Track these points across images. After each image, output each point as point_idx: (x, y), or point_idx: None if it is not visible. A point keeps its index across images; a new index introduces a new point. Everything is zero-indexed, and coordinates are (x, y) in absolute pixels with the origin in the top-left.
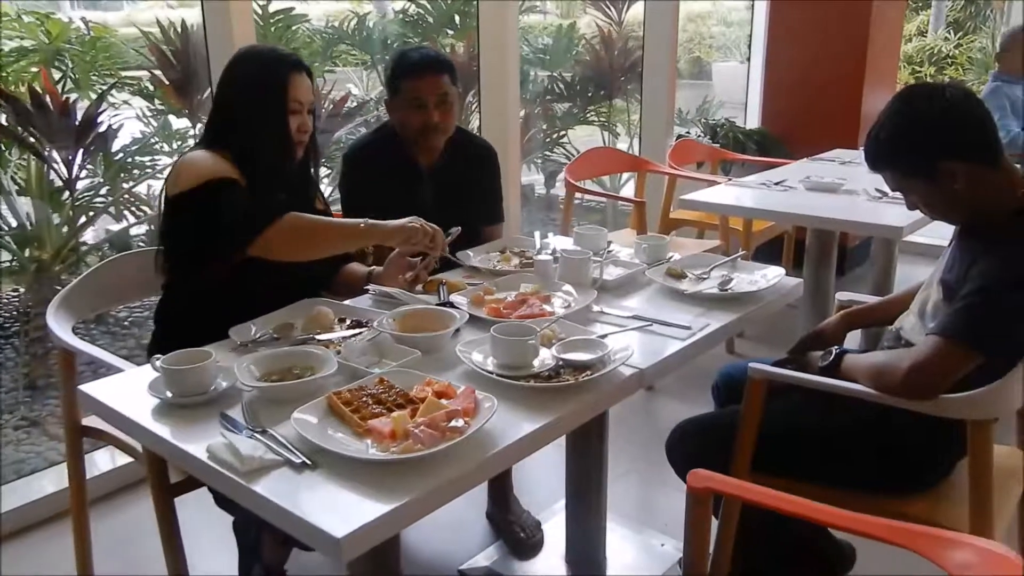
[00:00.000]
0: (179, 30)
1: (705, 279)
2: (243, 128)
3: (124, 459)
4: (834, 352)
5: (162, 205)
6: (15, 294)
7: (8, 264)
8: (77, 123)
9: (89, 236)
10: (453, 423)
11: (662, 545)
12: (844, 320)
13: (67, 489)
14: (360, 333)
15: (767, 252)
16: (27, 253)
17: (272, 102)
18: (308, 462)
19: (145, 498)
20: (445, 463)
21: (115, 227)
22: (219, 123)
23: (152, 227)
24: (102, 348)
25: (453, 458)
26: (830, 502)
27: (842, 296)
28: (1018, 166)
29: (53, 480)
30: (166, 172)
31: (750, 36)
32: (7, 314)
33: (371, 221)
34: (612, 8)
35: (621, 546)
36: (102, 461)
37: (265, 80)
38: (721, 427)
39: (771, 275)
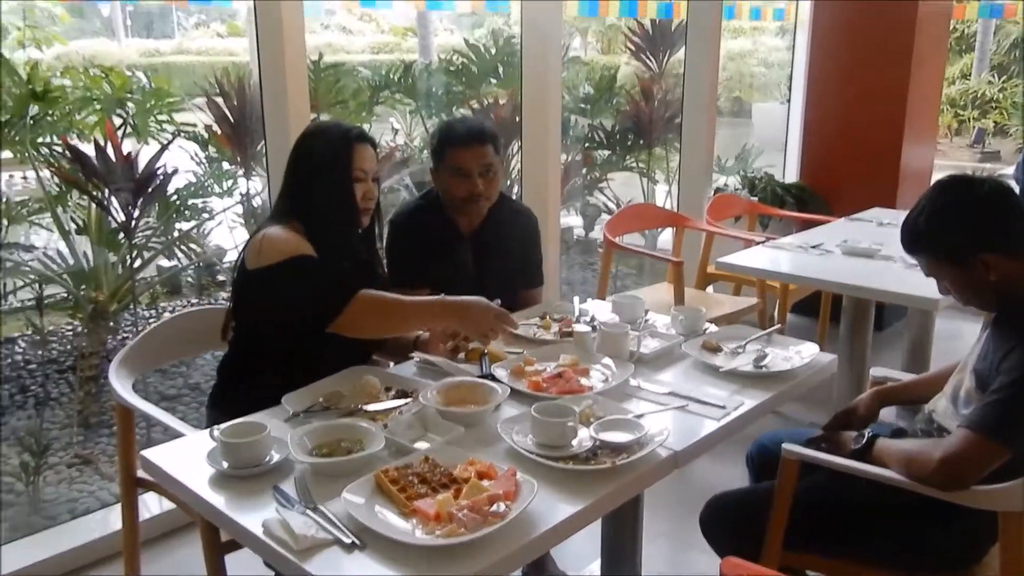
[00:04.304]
0: (232, 80)
1: (740, 353)
2: (313, 199)
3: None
4: (867, 435)
5: (237, 272)
6: (69, 328)
7: (63, 298)
8: (139, 173)
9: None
10: (495, 507)
11: None
12: (877, 397)
13: (118, 532)
14: (405, 403)
15: (804, 307)
16: (82, 290)
17: (339, 172)
18: (357, 542)
19: (195, 541)
20: (486, 548)
21: (165, 264)
22: (290, 196)
23: (201, 264)
24: (151, 385)
25: (494, 543)
26: None
27: (876, 372)
28: None
29: (104, 521)
30: (220, 217)
31: (790, 77)
32: (61, 348)
33: (446, 299)
34: (652, 59)
35: None
36: (152, 503)
37: (331, 152)
38: (755, 503)
39: (806, 352)
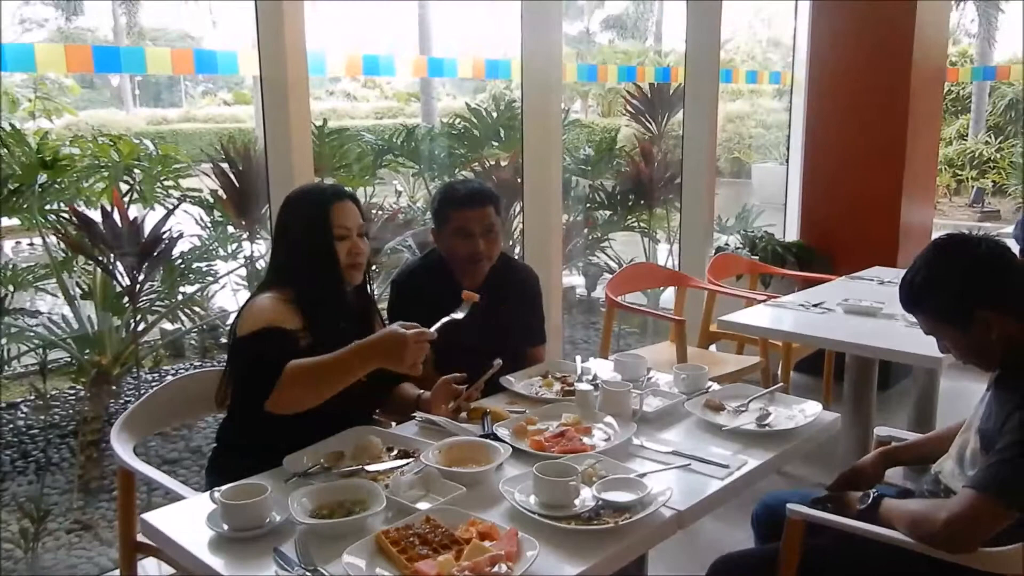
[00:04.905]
0: (238, 147)
1: (743, 411)
2: (297, 263)
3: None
4: (872, 496)
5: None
6: (72, 393)
7: (66, 364)
8: (144, 238)
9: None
10: (496, 568)
11: None
12: (882, 458)
13: None
14: (407, 463)
15: (808, 366)
16: (86, 354)
17: (319, 234)
18: None
19: None
20: None
21: (168, 327)
22: (277, 262)
23: (205, 327)
24: (152, 449)
25: None
26: None
27: (880, 431)
28: None
29: None
30: (224, 280)
31: (788, 138)
32: (64, 412)
33: (359, 343)
34: (651, 121)
35: None
36: (151, 568)
37: (310, 215)
38: (761, 564)
39: (809, 411)
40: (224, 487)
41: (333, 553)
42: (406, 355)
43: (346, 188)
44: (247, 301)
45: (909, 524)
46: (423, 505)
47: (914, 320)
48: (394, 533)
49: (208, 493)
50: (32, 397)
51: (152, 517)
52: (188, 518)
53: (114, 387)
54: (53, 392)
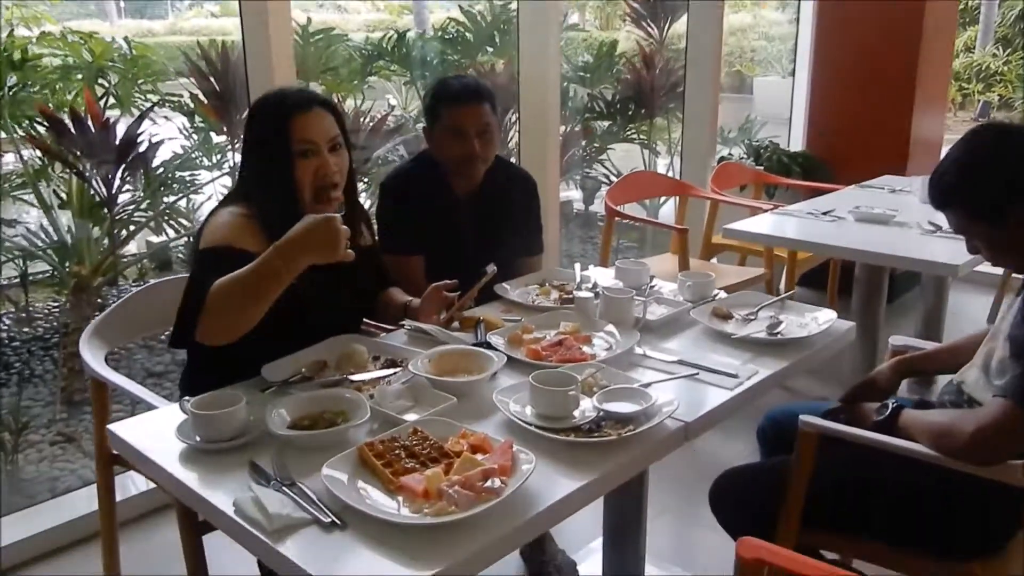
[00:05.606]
0: (219, 50)
1: (752, 320)
2: (254, 181)
3: None
4: (890, 406)
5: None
6: (55, 305)
7: (48, 276)
8: (118, 142)
9: (130, 247)
10: (489, 483)
11: None
12: (897, 368)
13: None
14: (394, 373)
15: (813, 279)
16: (66, 266)
17: (277, 150)
18: (337, 522)
19: (175, 521)
20: (479, 528)
21: (155, 239)
22: (242, 174)
23: (191, 239)
24: (138, 361)
25: (488, 522)
26: (888, 562)
27: (896, 340)
28: None
29: (86, 500)
30: (209, 191)
31: (794, 51)
32: (47, 325)
33: (282, 241)
34: (653, 27)
35: None
36: (139, 480)
37: (267, 127)
38: (770, 479)
39: (822, 319)
40: (196, 398)
41: (313, 466)
42: (340, 238)
43: (318, 94)
44: (210, 213)
45: (932, 436)
46: (411, 416)
47: (929, 228)
48: (379, 445)
49: (179, 403)
50: (14, 310)
51: (119, 428)
52: (158, 430)
53: (97, 299)
54: (36, 305)
